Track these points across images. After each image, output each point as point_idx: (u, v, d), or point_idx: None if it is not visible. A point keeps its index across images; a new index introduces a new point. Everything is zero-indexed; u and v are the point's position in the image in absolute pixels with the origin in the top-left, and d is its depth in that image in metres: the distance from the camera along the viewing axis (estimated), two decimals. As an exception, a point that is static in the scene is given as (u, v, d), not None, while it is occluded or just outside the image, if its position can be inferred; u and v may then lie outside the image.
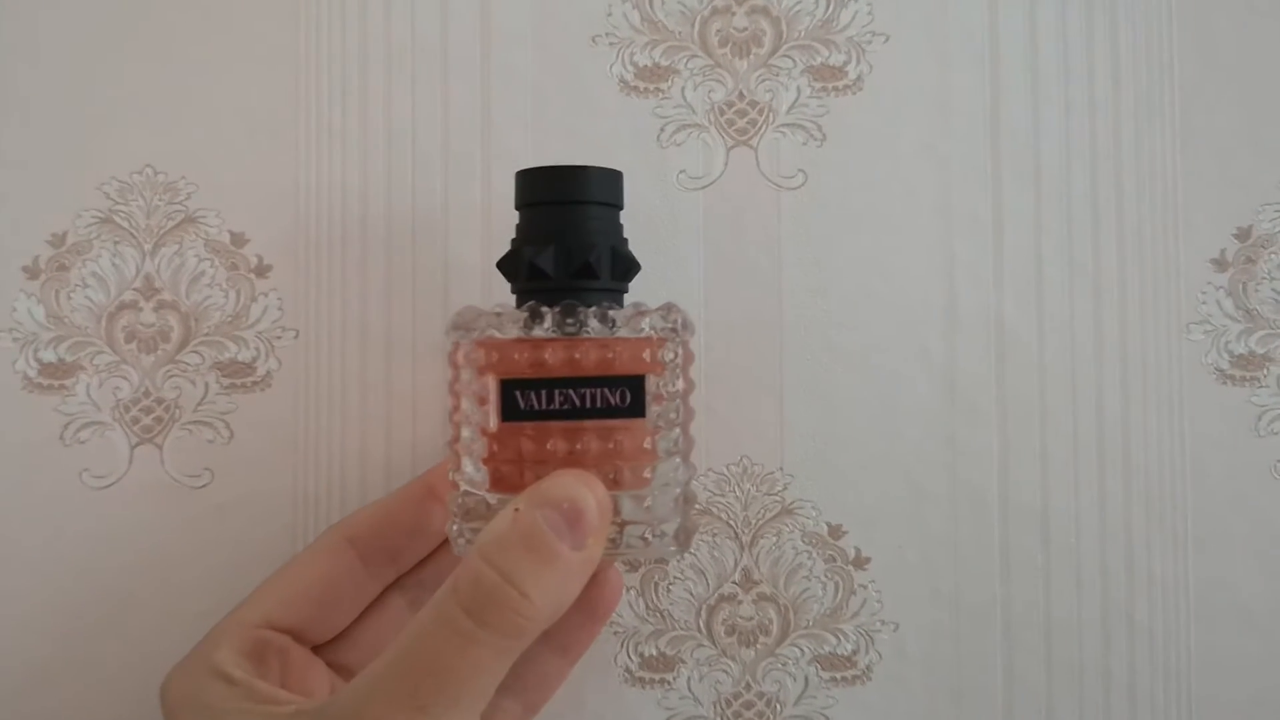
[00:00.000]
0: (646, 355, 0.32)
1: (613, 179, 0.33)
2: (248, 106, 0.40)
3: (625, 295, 0.34)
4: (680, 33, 0.40)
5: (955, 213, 0.40)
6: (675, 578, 0.40)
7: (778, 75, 0.40)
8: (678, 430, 0.33)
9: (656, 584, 0.40)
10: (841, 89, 0.40)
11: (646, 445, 0.32)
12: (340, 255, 0.40)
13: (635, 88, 0.40)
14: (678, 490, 0.33)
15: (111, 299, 0.40)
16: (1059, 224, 0.40)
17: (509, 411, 0.31)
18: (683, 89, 0.40)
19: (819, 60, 0.40)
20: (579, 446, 0.31)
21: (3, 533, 0.39)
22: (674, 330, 0.33)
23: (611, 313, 0.32)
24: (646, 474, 0.32)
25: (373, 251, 0.40)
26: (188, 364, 0.40)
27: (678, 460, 0.33)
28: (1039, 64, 0.40)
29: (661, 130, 0.40)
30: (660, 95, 0.40)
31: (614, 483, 0.31)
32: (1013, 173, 0.40)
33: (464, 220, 0.40)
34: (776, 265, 0.40)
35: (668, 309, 0.33)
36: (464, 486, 0.33)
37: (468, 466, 0.32)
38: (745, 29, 0.40)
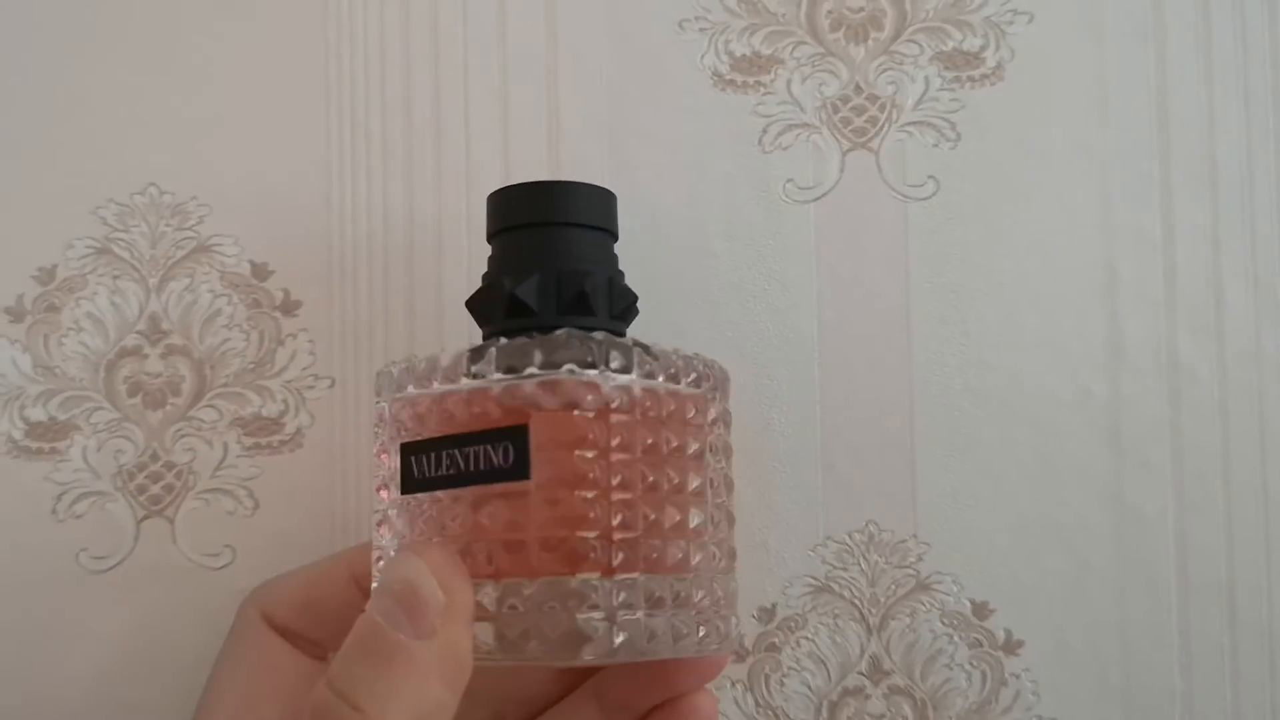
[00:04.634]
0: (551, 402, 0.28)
1: (604, 200, 0.32)
2: (268, 111, 0.39)
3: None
4: (784, 15, 0.39)
5: (1116, 226, 0.39)
6: (790, 669, 0.38)
7: (901, 64, 0.39)
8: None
9: (767, 676, 0.38)
10: (978, 79, 0.39)
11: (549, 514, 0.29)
12: (382, 288, 0.39)
13: (731, 81, 0.39)
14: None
15: (111, 345, 0.39)
16: (1241, 238, 0.39)
17: (407, 482, 0.30)
18: (788, 82, 0.39)
19: (950, 45, 0.39)
20: (485, 522, 0.28)
21: (-13, 625, 0.39)
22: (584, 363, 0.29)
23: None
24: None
25: (421, 283, 0.39)
26: (203, 421, 0.39)
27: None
28: (1213, 44, 0.39)
29: (764, 132, 0.39)
30: (762, 90, 0.39)
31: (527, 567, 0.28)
32: (1184, 177, 0.39)
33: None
34: (904, 291, 0.39)
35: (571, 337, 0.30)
36: (376, 580, 0.31)
37: (388, 554, 0.31)
38: (862, 9, 0.39)
